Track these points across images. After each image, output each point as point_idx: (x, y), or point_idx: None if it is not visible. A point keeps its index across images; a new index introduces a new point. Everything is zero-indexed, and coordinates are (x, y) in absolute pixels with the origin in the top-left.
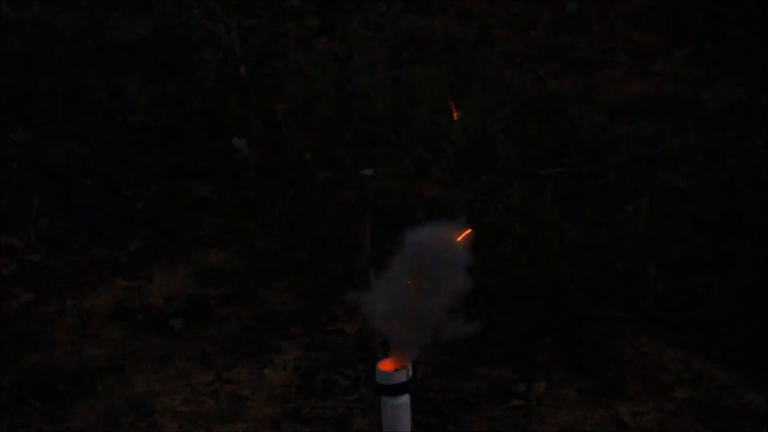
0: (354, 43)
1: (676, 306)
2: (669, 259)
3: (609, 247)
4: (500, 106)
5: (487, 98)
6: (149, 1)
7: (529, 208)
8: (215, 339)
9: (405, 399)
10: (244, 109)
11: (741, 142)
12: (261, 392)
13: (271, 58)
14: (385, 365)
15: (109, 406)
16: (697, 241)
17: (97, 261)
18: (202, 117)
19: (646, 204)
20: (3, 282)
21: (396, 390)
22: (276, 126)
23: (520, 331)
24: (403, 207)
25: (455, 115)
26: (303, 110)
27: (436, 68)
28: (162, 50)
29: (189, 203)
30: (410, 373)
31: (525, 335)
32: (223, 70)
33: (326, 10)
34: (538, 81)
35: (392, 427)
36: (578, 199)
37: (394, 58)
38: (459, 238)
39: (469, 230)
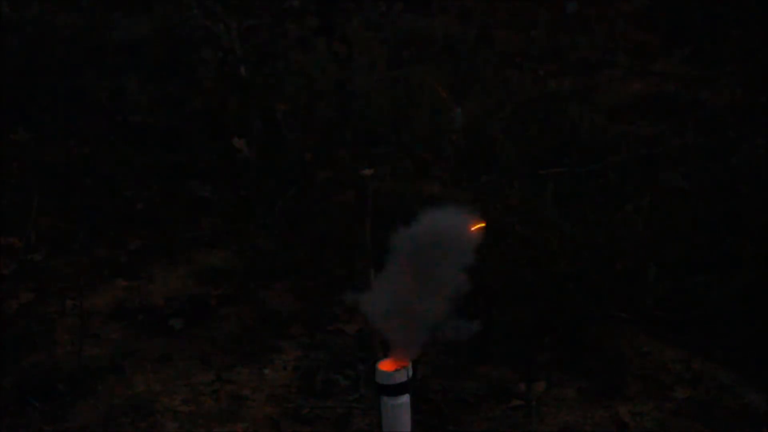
0: (354, 43)
1: (676, 306)
2: (669, 259)
3: (609, 247)
4: (500, 106)
5: (487, 98)
6: (149, 1)
7: (529, 208)
8: (215, 339)
9: (405, 399)
10: (244, 109)
11: (741, 142)
12: (261, 392)
13: (271, 58)
14: (385, 365)
15: (109, 406)
16: (697, 241)
17: (97, 261)
18: (202, 117)
19: (646, 204)
20: (3, 282)
21: (396, 390)
22: (276, 126)
23: (520, 331)
24: (403, 207)
25: (444, 95)
26: (303, 110)
27: (436, 68)
28: (162, 50)
29: (189, 203)
30: (410, 373)
31: (525, 335)
32: (223, 70)
33: (326, 10)
34: (538, 81)
35: (392, 427)
36: (578, 199)
37: (394, 58)
38: (473, 228)
39: (483, 223)
